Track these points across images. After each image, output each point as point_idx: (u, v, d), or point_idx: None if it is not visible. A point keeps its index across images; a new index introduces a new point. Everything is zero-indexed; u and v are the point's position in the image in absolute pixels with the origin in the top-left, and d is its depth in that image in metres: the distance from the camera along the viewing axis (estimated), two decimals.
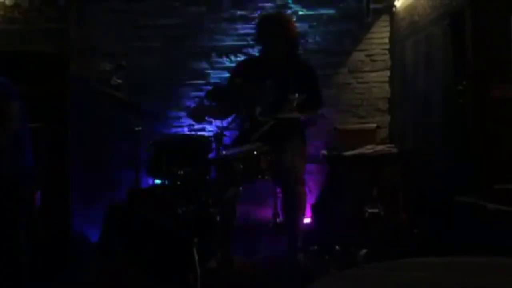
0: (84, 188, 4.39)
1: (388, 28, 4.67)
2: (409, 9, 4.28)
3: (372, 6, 4.60)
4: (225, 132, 3.17)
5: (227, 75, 4.42)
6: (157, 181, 3.46)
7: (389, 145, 4.26)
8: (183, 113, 4.62)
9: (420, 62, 4.00)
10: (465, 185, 3.18)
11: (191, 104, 4.61)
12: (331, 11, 4.64)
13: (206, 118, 3.87)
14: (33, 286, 3.07)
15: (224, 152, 3.07)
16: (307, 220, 3.92)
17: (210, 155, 3.21)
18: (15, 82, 3.12)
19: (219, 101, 4.17)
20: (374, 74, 4.69)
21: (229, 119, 3.53)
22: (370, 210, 3.70)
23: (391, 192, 3.85)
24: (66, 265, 3.49)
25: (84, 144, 4.40)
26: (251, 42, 4.54)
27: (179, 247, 2.83)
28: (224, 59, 4.59)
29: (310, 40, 4.63)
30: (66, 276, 3.29)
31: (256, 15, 4.57)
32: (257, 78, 3.26)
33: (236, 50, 4.57)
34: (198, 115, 3.57)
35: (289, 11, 4.55)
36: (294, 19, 4.43)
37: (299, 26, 4.50)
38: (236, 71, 3.65)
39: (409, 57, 4.25)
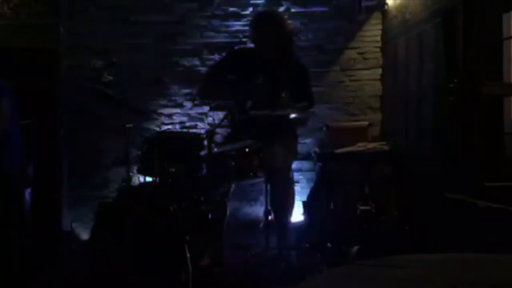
0: (75, 186, 4.36)
1: (380, 26, 4.67)
2: (401, 7, 4.29)
3: (364, 3, 4.61)
4: (217, 130, 3.16)
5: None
6: (149, 179, 3.44)
7: (380, 143, 4.26)
8: (174, 110, 4.60)
9: (412, 60, 4.01)
10: (456, 182, 3.19)
11: (183, 101, 4.60)
12: (323, 9, 4.63)
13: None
14: (23, 283, 3.05)
15: (215, 149, 3.06)
16: (299, 217, 3.92)
17: (202, 152, 3.19)
18: (4, 78, 3.10)
19: (211, 97, 4.16)
20: (366, 72, 4.70)
21: (221, 117, 3.52)
22: (361, 207, 3.71)
23: (382, 189, 3.85)
24: (56, 263, 3.47)
25: (75, 141, 4.37)
26: (243, 39, 4.52)
27: (171, 245, 2.82)
28: (216, 56, 4.57)
29: (302, 37, 4.62)
30: (56, 274, 3.27)
31: (248, 12, 4.56)
32: (248, 72, 3.25)
33: (227, 47, 4.54)
34: (206, 95, 3.63)
35: (281, 8, 4.55)
36: (286, 16, 4.44)
37: (291, 24, 4.49)
38: (225, 61, 3.59)
39: (401, 55, 4.26)
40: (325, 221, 3.78)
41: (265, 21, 3.44)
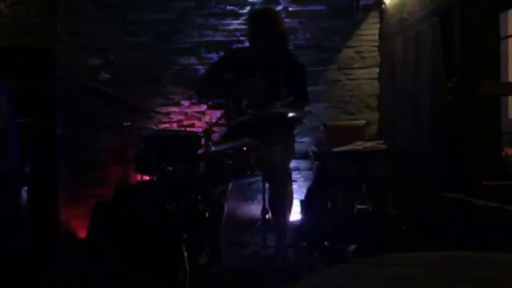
0: (72, 184, 4.36)
1: (378, 25, 4.68)
2: (399, 6, 4.29)
3: (361, 2, 4.62)
4: (214, 128, 3.16)
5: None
6: (146, 177, 3.44)
7: (378, 142, 4.27)
8: (172, 109, 4.59)
9: (410, 59, 4.02)
10: (453, 181, 3.20)
11: (181, 99, 4.59)
12: (321, 8, 4.64)
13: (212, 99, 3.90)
14: (21, 283, 3.05)
15: (213, 148, 3.06)
16: (296, 216, 3.93)
17: (200, 151, 3.19)
18: (2, 77, 3.09)
19: (210, 96, 4.16)
20: (363, 70, 4.70)
21: (218, 115, 3.52)
22: (359, 206, 3.71)
23: (380, 188, 3.86)
24: (54, 262, 3.46)
25: (72, 139, 4.36)
26: (240, 38, 4.52)
27: (168, 244, 2.82)
28: (213, 54, 4.57)
29: (299, 36, 4.62)
30: (53, 272, 3.27)
31: (245, 10, 4.55)
32: (245, 71, 3.25)
33: (225, 46, 4.55)
34: (205, 94, 3.62)
35: (279, 7, 4.54)
36: (284, 15, 4.43)
37: (289, 22, 4.50)
38: (223, 61, 3.61)
39: (399, 54, 4.26)
40: (322, 220, 3.78)
41: (260, 19, 3.44)
